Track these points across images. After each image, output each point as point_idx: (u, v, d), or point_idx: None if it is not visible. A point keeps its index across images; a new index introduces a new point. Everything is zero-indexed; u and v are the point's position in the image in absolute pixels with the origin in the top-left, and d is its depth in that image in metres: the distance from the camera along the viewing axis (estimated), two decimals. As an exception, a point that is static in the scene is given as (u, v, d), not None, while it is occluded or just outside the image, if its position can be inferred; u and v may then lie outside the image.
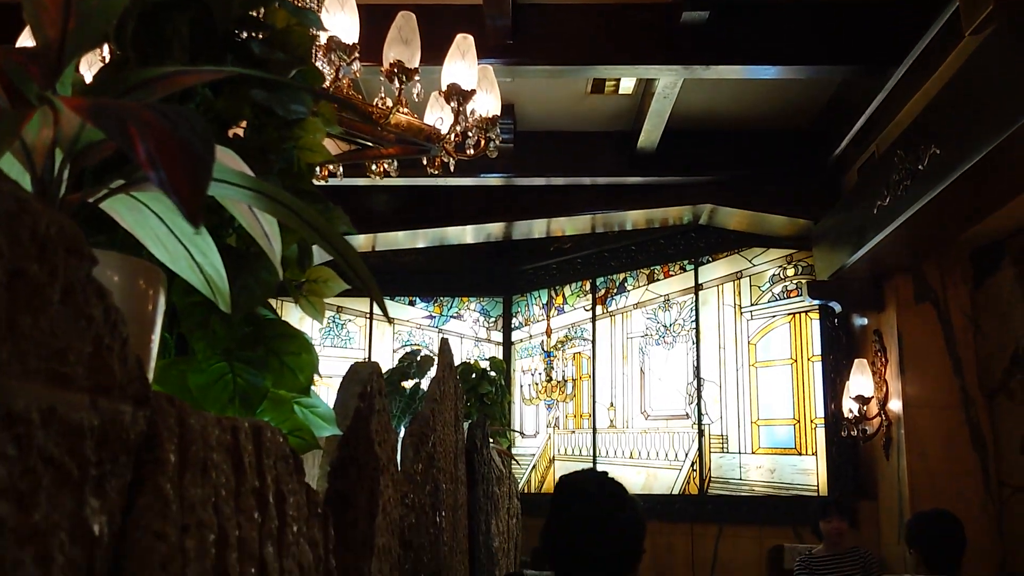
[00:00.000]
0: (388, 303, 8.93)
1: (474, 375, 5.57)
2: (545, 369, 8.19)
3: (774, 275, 7.03)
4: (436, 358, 2.69)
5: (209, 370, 0.99)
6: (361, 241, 7.22)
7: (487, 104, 3.56)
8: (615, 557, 2.03)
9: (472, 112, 3.47)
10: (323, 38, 2.98)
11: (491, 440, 4.24)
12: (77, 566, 0.52)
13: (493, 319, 9.05)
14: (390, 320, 8.88)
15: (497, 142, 3.48)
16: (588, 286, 8.42)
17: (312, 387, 1.17)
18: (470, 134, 3.47)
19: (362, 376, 1.47)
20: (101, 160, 0.87)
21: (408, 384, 4.05)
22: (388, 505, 1.54)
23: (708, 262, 7.50)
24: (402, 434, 2.00)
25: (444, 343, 2.68)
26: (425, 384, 3.99)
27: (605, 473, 2.21)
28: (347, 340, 8.82)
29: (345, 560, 1.31)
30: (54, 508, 0.49)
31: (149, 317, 0.75)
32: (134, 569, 0.60)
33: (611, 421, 8.01)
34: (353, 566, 1.33)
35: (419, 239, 7.56)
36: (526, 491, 8.16)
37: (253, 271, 1.06)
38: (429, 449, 2.09)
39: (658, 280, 7.88)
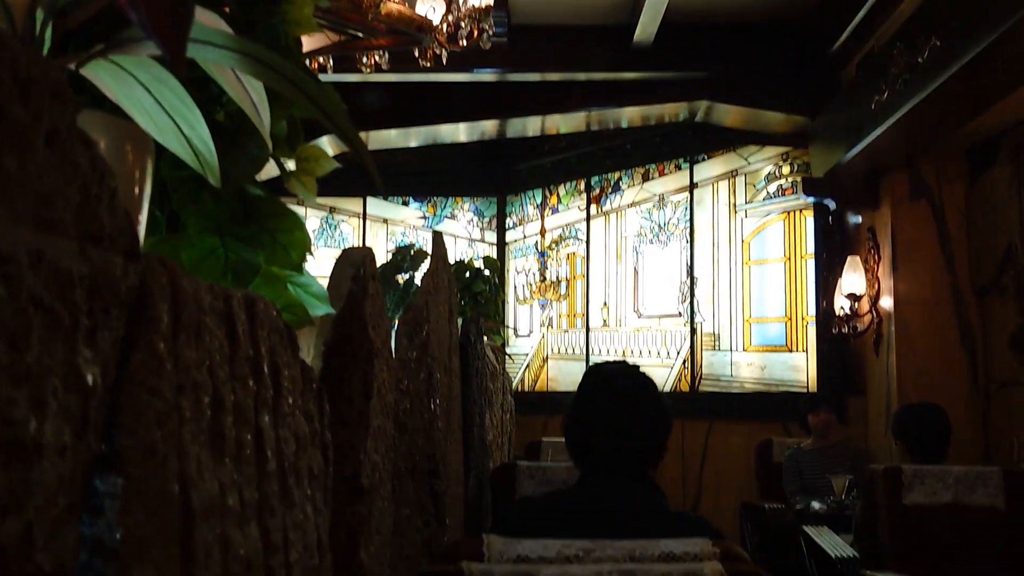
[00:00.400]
0: (381, 203, 8.91)
1: (468, 273, 5.58)
2: (539, 269, 8.19)
3: (770, 173, 6.99)
4: (429, 252, 2.69)
5: (200, 244, 0.99)
6: (353, 139, 7.14)
7: (480, -7, 3.48)
8: (635, 451, 1.92)
9: (464, 1, 3.39)
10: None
11: (484, 337, 4.28)
12: (72, 413, 0.52)
13: (487, 219, 9.03)
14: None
15: (490, 32, 3.42)
16: (582, 185, 8.37)
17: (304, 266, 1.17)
18: (462, 24, 3.40)
19: (355, 260, 1.47)
20: (85, 30, 0.85)
21: (402, 279, 4.07)
22: (383, 388, 1.55)
23: (703, 160, 7.45)
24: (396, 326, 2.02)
25: (437, 236, 2.68)
26: (419, 279, 4.00)
27: (636, 367, 2.07)
28: (340, 240, 8.82)
29: (342, 437, 1.33)
30: (46, 352, 0.49)
31: (138, 181, 0.75)
32: (130, 424, 0.60)
33: (604, 320, 8.07)
34: (349, 444, 1.35)
35: (412, 138, 7.49)
36: (520, 390, 8.27)
37: (243, 147, 1.04)
38: (423, 338, 2.10)
39: (653, 179, 7.84)
